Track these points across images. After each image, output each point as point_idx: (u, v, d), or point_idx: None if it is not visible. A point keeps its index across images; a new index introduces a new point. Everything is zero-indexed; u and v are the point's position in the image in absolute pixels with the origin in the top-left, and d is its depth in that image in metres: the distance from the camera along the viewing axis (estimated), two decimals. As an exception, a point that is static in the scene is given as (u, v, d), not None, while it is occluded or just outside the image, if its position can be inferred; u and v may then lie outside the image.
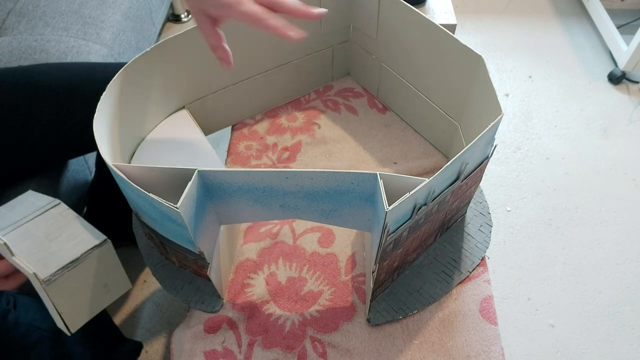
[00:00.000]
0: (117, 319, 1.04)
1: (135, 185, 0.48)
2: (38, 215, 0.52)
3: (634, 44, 1.43)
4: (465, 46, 0.62)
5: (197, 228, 0.51)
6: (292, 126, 0.86)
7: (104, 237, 0.50)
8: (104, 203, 0.99)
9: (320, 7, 0.78)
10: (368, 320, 0.61)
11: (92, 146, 0.57)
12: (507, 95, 1.52)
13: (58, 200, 0.53)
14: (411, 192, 0.45)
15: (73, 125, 0.72)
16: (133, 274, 1.10)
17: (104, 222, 1.04)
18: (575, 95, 1.51)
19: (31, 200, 0.55)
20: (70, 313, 0.50)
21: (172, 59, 0.69)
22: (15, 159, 0.72)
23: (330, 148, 0.82)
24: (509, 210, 1.21)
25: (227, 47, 0.54)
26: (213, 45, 0.54)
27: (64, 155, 0.81)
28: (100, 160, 0.92)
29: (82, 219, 0.52)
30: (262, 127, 0.86)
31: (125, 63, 0.66)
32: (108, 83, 0.60)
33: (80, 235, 0.50)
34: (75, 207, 0.91)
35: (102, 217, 1.02)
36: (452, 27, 1.06)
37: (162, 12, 1.55)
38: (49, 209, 0.53)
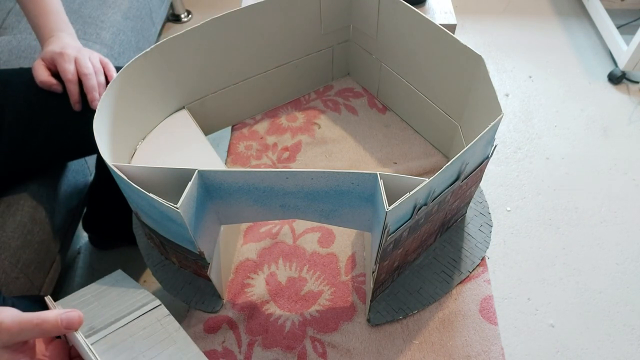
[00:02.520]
0: (117, 319, 1.04)
1: (135, 185, 0.48)
2: (135, 319, 0.43)
3: (634, 44, 1.43)
4: (465, 46, 0.62)
5: (197, 228, 0.51)
6: (292, 126, 0.86)
7: None
8: (104, 204, 0.99)
9: (321, 7, 0.79)
10: (368, 320, 0.60)
11: (95, 148, 0.57)
12: (507, 95, 1.52)
13: (158, 301, 0.45)
14: (411, 192, 0.45)
15: (77, 127, 0.72)
16: (133, 274, 1.10)
17: (104, 222, 1.04)
18: (575, 95, 1.51)
19: (123, 289, 0.46)
20: None
21: (172, 59, 0.69)
22: (18, 160, 0.72)
23: (330, 148, 0.82)
24: (509, 210, 1.21)
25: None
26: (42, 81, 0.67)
27: (67, 157, 0.81)
28: (100, 161, 0.92)
29: (183, 331, 0.44)
30: (262, 127, 0.86)
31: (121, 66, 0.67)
32: None
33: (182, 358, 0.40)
34: (75, 208, 0.91)
35: (102, 218, 1.02)
36: (452, 27, 1.06)
37: (162, 12, 1.55)
38: (147, 312, 0.44)
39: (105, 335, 0.41)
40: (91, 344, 0.40)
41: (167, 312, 0.45)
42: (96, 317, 0.43)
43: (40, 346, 0.41)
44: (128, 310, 0.44)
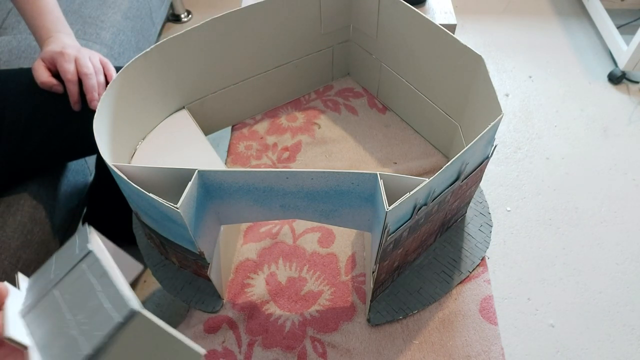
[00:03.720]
0: (117, 319, 1.04)
1: (135, 185, 0.48)
2: (66, 274, 0.39)
3: (634, 44, 1.43)
4: (465, 46, 0.62)
5: (197, 228, 0.51)
6: (292, 126, 0.86)
7: (133, 305, 0.33)
8: (103, 204, 0.99)
9: (321, 7, 0.79)
10: (368, 320, 0.60)
11: (95, 148, 0.57)
12: (507, 95, 1.52)
13: (90, 246, 0.40)
14: (411, 192, 0.45)
15: (77, 127, 0.72)
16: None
17: (104, 223, 1.04)
18: (575, 95, 1.51)
19: (74, 245, 0.42)
20: None
21: (172, 59, 0.69)
22: (18, 160, 0.72)
23: (330, 148, 0.82)
24: (509, 210, 1.21)
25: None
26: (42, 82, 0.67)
27: (67, 157, 0.81)
28: (100, 161, 0.92)
29: (110, 272, 0.37)
30: (262, 127, 0.86)
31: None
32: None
33: (104, 306, 0.35)
34: (75, 208, 0.91)
35: (102, 218, 1.02)
36: (452, 27, 1.06)
37: (162, 12, 1.55)
38: (77, 263, 0.39)
39: (37, 304, 0.39)
40: (22, 317, 0.38)
41: (97, 257, 0.38)
42: (44, 281, 0.41)
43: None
44: (65, 266, 0.40)
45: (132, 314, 0.33)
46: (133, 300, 0.33)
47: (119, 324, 0.33)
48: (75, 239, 0.43)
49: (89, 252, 0.39)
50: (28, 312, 0.39)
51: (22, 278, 0.43)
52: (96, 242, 0.42)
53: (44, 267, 0.43)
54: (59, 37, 0.69)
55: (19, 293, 0.41)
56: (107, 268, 0.37)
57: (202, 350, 0.37)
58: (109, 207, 0.97)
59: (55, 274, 0.40)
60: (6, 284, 0.39)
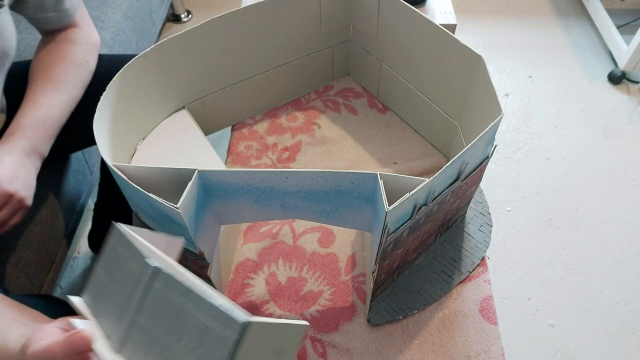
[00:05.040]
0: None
1: (135, 186, 0.48)
2: (143, 298, 0.38)
3: (634, 44, 1.43)
4: (465, 46, 0.62)
5: (197, 228, 0.51)
6: (292, 126, 0.86)
7: (241, 318, 0.32)
8: (108, 223, 0.98)
9: (321, 7, 0.79)
10: (368, 320, 0.60)
11: (94, 140, 0.56)
12: (507, 95, 1.52)
13: (152, 262, 0.38)
14: (411, 192, 0.45)
15: (77, 117, 0.71)
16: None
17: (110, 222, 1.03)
18: (575, 95, 1.51)
19: (123, 255, 0.40)
20: None
21: (172, 59, 0.69)
22: None
23: (330, 148, 0.82)
24: (509, 210, 1.21)
25: None
26: None
27: (66, 149, 0.81)
28: (103, 180, 0.90)
29: (194, 290, 0.35)
30: (262, 127, 0.86)
31: (132, 55, 0.66)
32: (113, 75, 0.60)
33: (208, 325, 0.34)
34: (76, 207, 0.91)
35: (110, 219, 1.01)
36: (452, 27, 1.06)
37: (162, 12, 1.55)
38: (148, 282, 0.38)
39: (127, 337, 0.37)
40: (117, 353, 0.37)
41: (168, 274, 0.37)
42: (111, 310, 0.39)
43: None
44: (132, 285, 0.38)
45: (245, 327, 0.32)
46: (236, 312, 0.33)
47: (236, 341, 0.32)
48: (115, 245, 0.42)
49: (157, 270, 0.37)
50: (121, 347, 0.38)
51: (76, 300, 0.42)
52: (135, 239, 0.41)
53: (94, 283, 0.42)
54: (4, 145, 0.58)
55: (91, 323, 0.40)
56: (186, 282, 0.36)
57: (305, 323, 0.36)
58: (115, 210, 0.96)
59: (122, 296, 0.39)
60: (87, 329, 0.37)
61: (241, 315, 0.32)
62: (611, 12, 1.65)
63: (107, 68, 0.70)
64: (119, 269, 0.40)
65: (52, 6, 0.66)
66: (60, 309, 0.60)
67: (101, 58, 0.74)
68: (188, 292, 0.35)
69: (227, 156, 0.82)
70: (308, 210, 0.56)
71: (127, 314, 0.38)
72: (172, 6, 1.77)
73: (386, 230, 0.47)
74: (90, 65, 0.70)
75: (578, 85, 1.54)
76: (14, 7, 0.64)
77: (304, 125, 0.85)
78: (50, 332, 0.38)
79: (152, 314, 0.37)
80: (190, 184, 0.48)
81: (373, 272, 0.55)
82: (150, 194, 0.47)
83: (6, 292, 0.58)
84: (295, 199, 0.54)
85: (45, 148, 0.62)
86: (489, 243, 0.67)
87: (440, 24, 0.66)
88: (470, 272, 0.65)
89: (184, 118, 0.76)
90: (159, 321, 0.36)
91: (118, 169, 0.51)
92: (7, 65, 0.64)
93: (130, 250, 0.40)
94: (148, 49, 0.65)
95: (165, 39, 0.67)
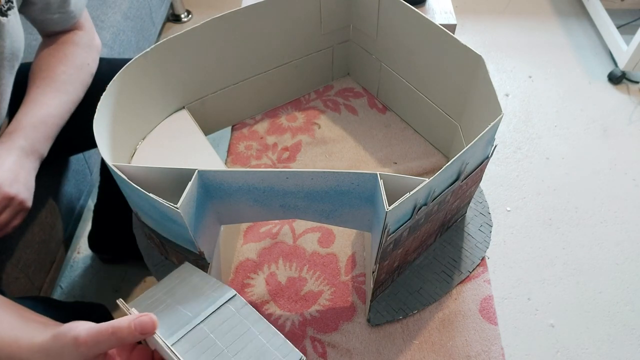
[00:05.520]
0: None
1: (135, 186, 0.48)
2: (212, 313, 0.41)
3: (634, 44, 1.43)
4: (465, 46, 0.62)
5: (197, 228, 0.51)
6: (292, 126, 0.86)
7: (298, 354, 0.39)
8: (108, 224, 0.97)
9: (321, 7, 0.79)
10: (368, 320, 0.60)
11: (94, 142, 0.56)
12: (507, 95, 1.52)
13: (233, 291, 0.43)
14: (411, 192, 0.45)
15: (76, 120, 0.71)
16: (133, 275, 1.10)
17: (109, 242, 1.03)
18: (575, 95, 1.51)
19: (194, 283, 0.45)
20: None
21: (172, 59, 0.69)
22: None
23: (330, 148, 0.82)
24: (509, 210, 1.21)
25: None
26: None
27: (65, 152, 0.81)
28: (103, 182, 0.90)
29: (264, 321, 0.41)
30: (262, 127, 0.86)
31: (129, 59, 0.66)
32: (111, 78, 0.60)
33: (272, 350, 0.39)
34: (76, 208, 0.91)
35: (108, 238, 1.01)
36: (452, 27, 1.06)
37: (162, 12, 1.55)
38: (223, 304, 0.42)
39: (185, 334, 0.40)
40: (171, 345, 0.39)
41: (244, 301, 0.42)
42: (172, 316, 0.42)
43: (123, 355, 0.39)
44: (203, 304, 0.42)
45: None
46: (293, 350, 0.39)
47: None
48: (184, 275, 0.46)
49: (235, 295, 0.43)
50: (177, 341, 0.40)
51: (123, 305, 0.44)
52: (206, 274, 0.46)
53: (146, 299, 0.44)
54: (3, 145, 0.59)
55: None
56: (258, 314, 0.42)
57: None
58: (114, 227, 0.95)
59: (187, 311, 0.42)
60: (152, 315, 0.39)
61: (297, 353, 0.39)
62: (611, 12, 1.65)
63: (106, 71, 0.70)
64: (189, 292, 0.44)
65: (57, 8, 0.66)
66: (57, 313, 0.60)
67: (100, 61, 0.74)
68: (259, 320, 0.41)
69: (227, 156, 0.82)
70: (308, 210, 0.56)
71: (191, 322, 0.41)
72: (172, 6, 1.77)
73: (386, 230, 0.47)
74: (91, 67, 0.70)
75: (578, 85, 1.55)
76: (20, 9, 0.64)
77: (304, 125, 0.85)
78: (91, 324, 0.38)
79: (217, 326, 0.41)
80: (190, 184, 0.48)
81: (373, 272, 0.55)
82: (150, 194, 0.47)
83: (3, 294, 0.58)
84: (295, 199, 0.54)
85: (45, 148, 0.62)
86: (489, 243, 0.68)
87: (440, 24, 0.66)
88: (470, 272, 0.65)
89: (184, 118, 0.76)
90: (222, 333, 0.41)
91: (118, 169, 0.51)
92: (16, 67, 0.64)
93: (205, 280, 0.45)
94: (148, 49, 0.65)
95: (165, 39, 0.67)
